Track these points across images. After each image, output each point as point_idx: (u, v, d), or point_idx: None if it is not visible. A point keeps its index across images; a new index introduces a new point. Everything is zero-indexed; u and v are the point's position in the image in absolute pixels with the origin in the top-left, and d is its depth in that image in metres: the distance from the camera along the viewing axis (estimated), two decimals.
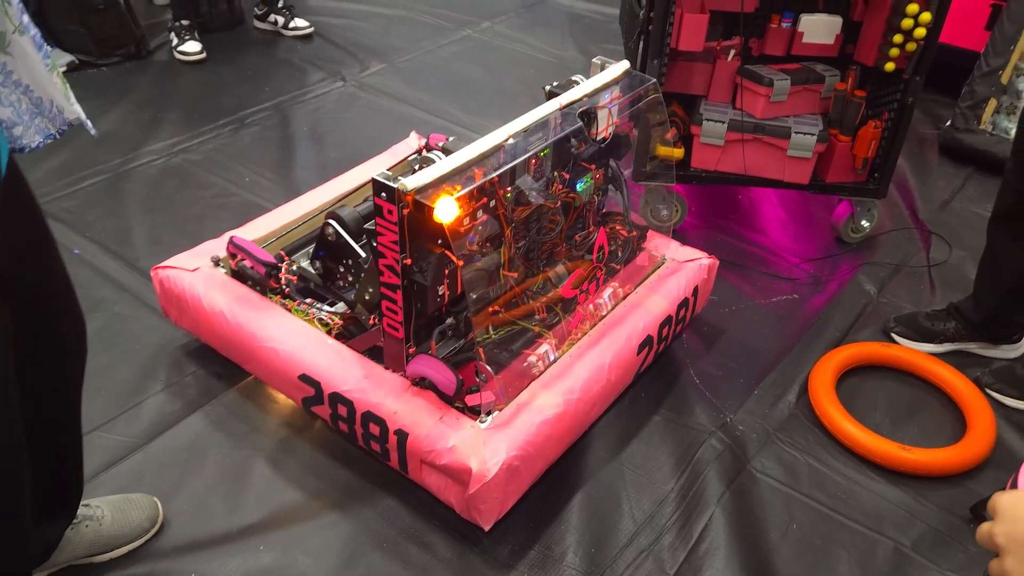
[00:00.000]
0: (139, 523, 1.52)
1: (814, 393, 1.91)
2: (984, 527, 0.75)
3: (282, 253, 1.91)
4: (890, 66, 2.14)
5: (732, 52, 2.30)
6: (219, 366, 1.91)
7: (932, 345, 2.10)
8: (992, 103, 2.83)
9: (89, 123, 1.24)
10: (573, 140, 1.74)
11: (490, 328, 1.71)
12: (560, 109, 1.69)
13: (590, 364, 1.72)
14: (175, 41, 3.34)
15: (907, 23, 2.06)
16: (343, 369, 1.66)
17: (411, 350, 1.62)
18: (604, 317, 1.85)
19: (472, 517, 1.54)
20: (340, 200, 2.12)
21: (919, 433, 1.89)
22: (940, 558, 1.61)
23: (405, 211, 1.42)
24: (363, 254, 1.78)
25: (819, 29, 2.26)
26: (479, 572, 1.53)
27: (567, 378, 1.68)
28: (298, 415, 1.83)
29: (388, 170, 1.56)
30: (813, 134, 2.24)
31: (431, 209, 1.40)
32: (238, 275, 1.89)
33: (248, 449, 1.74)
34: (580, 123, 1.71)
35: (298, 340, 1.73)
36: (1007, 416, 1.93)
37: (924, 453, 1.77)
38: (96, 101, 2.99)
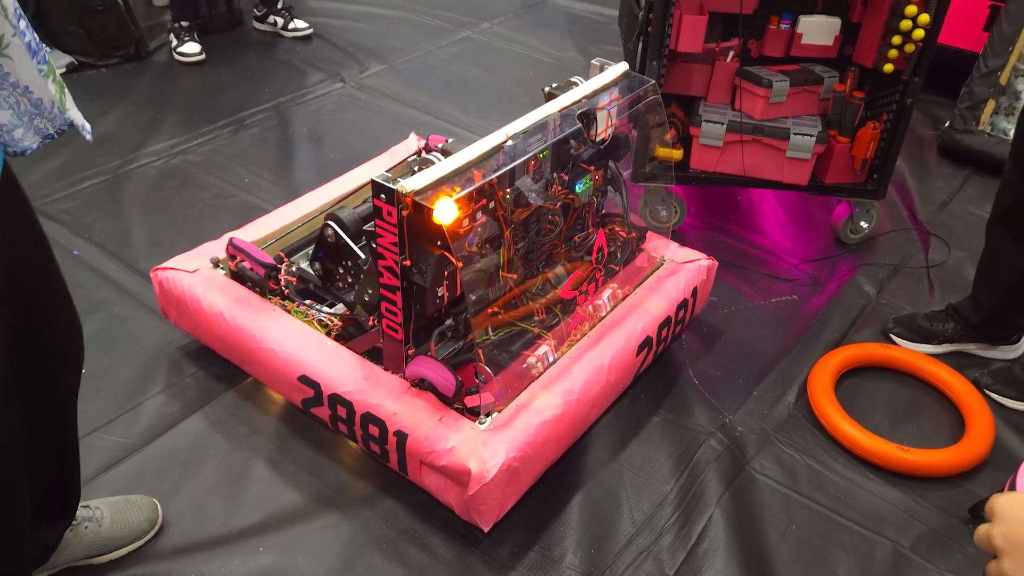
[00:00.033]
0: (138, 524, 1.52)
1: (813, 394, 1.92)
2: (982, 529, 0.75)
3: (281, 254, 1.91)
4: (889, 67, 2.15)
5: (731, 53, 2.30)
6: (218, 367, 1.92)
7: (931, 346, 2.10)
8: (991, 104, 2.83)
9: (88, 128, 1.24)
10: (572, 141, 1.74)
11: (489, 329, 1.71)
12: (559, 111, 1.69)
13: (589, 365, 1.72)
14: (174, 42, 3.34)
15: (906, 24, 2.06)
16: (342, 370, 1.67)
17: (410, 351, 1.62)
18: (603, 318, 1.85)
19: (471, 518, 1.54)
20: (339, 201, 2.12)
21: (918, 434, 1.89)
22: (939, 559, 1.61)
23: (404, 213, 1.42)
24: (362, 255, 1.78)
25: (818, 30, 2.26)
26: (478, 573, 1.54)
27: (566, 379, 1.68)
28: (297, 416, 1.83)
29: (387, 171, 1.56)
30: (812, 135, 2.24)
31: (430, 211, 1.40)
32: (237, 276, 1.89)
33: (247, 450, 1.74)
34: (579, 125, 1.72)
35: (297, 341, 1.73)
36: (1006, 417, 1.93)
37: (923, 454, 1.77)
38: (95, 102, 2.99)
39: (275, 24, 3.59)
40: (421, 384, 1.61)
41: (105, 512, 1.49)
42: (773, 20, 2.29)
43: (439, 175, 1.45)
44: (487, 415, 1.57)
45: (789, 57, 2.33)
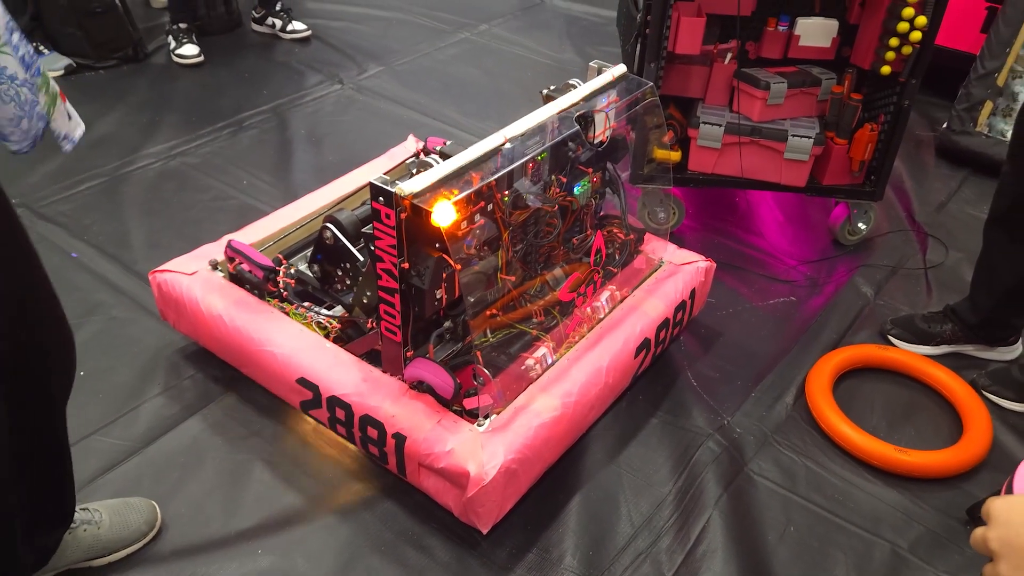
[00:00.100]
0: (137, 527, 1.52)
1: (811, 395, 1.92)
2: (978, 532, 0.75)
3: (280, 256, 1.91)
4: (886, 69, 2.15)
5: (729, 55, 2.30)
6: (217, 370, 1.92)
7: (929, 347, 2.10)
8: (988, 105, 2.83)
9: (71, 140, 1.22)
10: (571, 143, 1.75)
11: (488, 331, 1.71)
12: (558, 113, 1.69)
13: (588, 367, 1.73)
14: (173, 44, 3.34)
15: (903, 26, 2.06)
16: (341, 373, 1.67)
17: (409, 353, 1.62)
18: (601, 320, 1.85)
19: (470, 520, 1.54)
20: (338, 203, 2.12)
21: (916, 435, 1.90)
22: (937, 560, 1.61)
23: (403, 215, 1.42)
24: (361, 258, 1.78)
25: (815, 32, 2.26)
26: (477, 575, 1.54)
27: (565, 381, 1.68)
28: (296, 419, 1.83)
29: (386, 174, 1.56)
30: (810, 137, 2.24)
31: (429, 213, 1.40)
32: (236, 279, 1.89)
33: (246, 453, 1.74)
34: (577, 127, 1.72)
35: (296, 344, 1.73)
36: (1003, 418, 1.94)
37: (921, 455, 1.77)
38: (93, 104, 2.99)
39: (273, 26, 3.60)
40: (420, 386, 1.61)
41: (104, 515, 1.49)
42: (771, 22, 2.29)
43: (437, 177, 1.45)
44: (485, 417, 1.57)
45: (787, 59, 2.33)
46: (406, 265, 1.48)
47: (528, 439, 1.55)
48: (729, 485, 1.74)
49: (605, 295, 1.91)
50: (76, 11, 3.12)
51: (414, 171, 1.46)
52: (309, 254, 1.94)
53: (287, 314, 1.81)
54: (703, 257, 2.08)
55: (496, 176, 1.54)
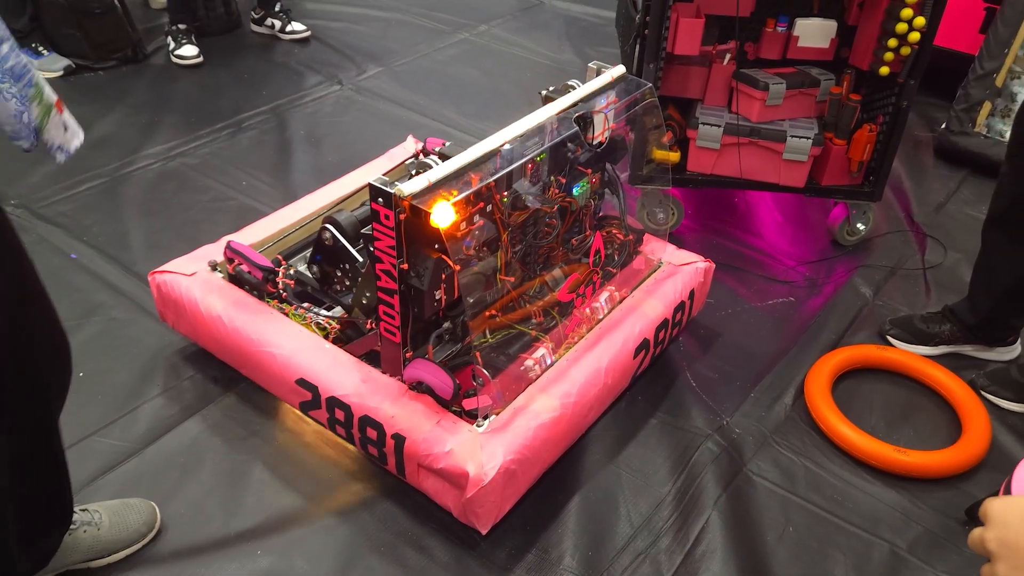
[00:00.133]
0: (137, 528, 1.52)
1: (810, 396, 1.92)
2: (976, 532, 0.75)
3: (279, 257, 1.91)
4: (885, 70, 2.15)
5: (728, 56, 2.31)
6: (216, 370, 1.92)
7: (927, 348, 2.11)
8: (987, 106, 2.84)
9: (66, 151, 1.21)
10: (570, 144, 1.75)
11: (487, 332, 1.71)
12: (557, 114, 1.69)
13: (587, 368, 1.73)
14: (172, 45, 3.35)
15: (901, 27, 2.07)
16: (340, 373, 1.67)
17: (408, 354, 1.62)
18: (601, 321, 1.85)
19: (469, 521, 1.54)
20: (337, 204, 2.12)
21: (914, 435, 1.90)
22: (936, 560, 1.61)
23: (402, 216, 1.42)
24: (360, 258, 1.78)
25: (814, 33, 2.27)
26: (476, 575, 1.54)
27: (564, 382, 1.68)
28: (295, 419, 1.83)
29: (385, 174, 1.57)
30: (809, 138, 2.25)
31: (428, 214, 1.40)
32: (235, 279, 1.89)
33: (245, 453, 1.74)
34: (576, 128, 1.72)
35: (295, 344, 1.73)
36: (1002, 418, 1.94)
37: (920, 455, 1.78)
38: (93, 105, 2.99)
39: (273, 27, 3.60)
40: (419, 387, 1.61)
41: (103, 516, 1.49)
42: (769, 23, 2.30)
43: (436, 178, 1.45)
44: (485, 418, 1.57)
45: (786, 60, 2.33)
46: (405, 266, 1.49)
47: (527, 440, 1.55)
48: (728, 485, 1.74)
49: (604, 296, 1.91)
50: (75, 12, 3.12)
51: (413, 172, 1.46)
52: (308, 255, 1.94)
53: (286, 315, 1.81)
54: (702, 258, 2.08)
55: (495, 177, 1.54)
